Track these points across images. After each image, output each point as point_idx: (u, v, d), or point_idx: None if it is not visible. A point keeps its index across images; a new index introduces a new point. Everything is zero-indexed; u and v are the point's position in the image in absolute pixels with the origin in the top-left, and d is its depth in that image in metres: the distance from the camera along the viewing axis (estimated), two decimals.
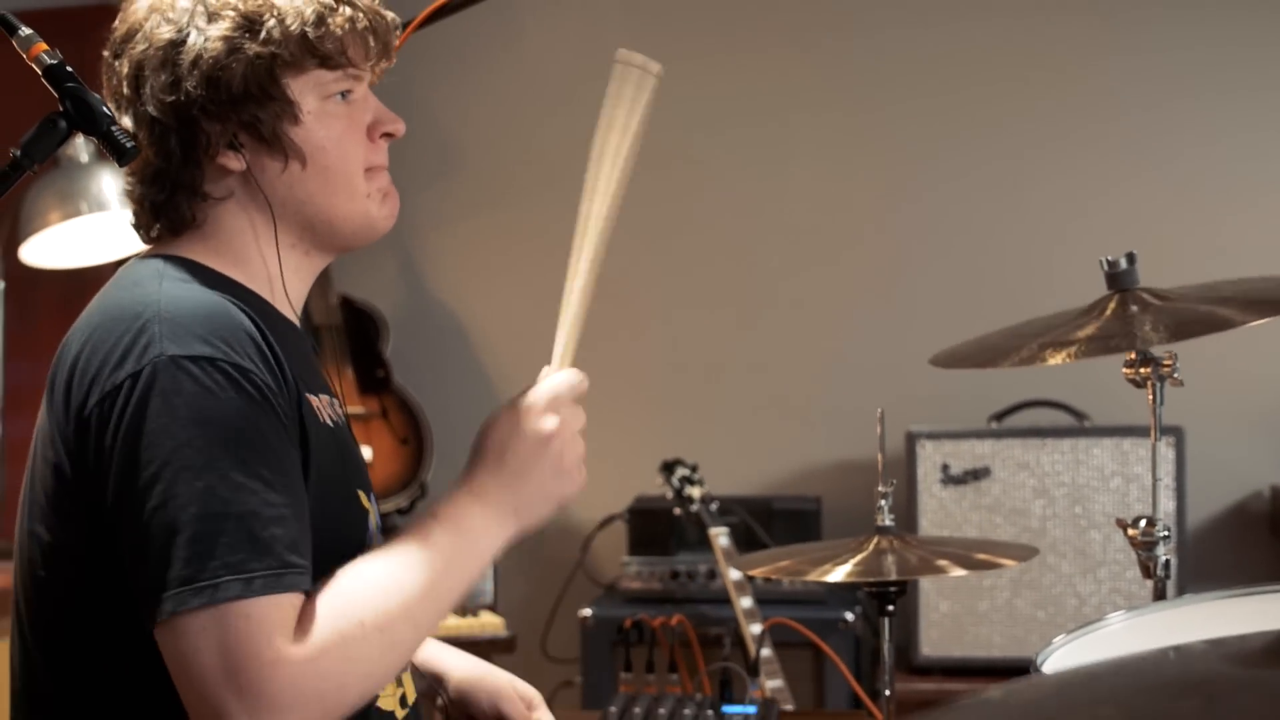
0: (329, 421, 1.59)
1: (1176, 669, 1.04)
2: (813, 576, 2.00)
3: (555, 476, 1.59)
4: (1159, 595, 2.13)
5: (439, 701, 1.94)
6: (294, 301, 1.67)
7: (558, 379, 1.69)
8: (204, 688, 1.35)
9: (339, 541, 1.51)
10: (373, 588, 1.46)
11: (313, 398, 1.58)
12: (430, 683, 1.90)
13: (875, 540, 2.10)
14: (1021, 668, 1.78)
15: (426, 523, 1.53)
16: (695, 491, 3.38)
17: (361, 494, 1.62)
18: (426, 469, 3.89)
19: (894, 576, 1.99)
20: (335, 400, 1.68)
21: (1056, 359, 1.94)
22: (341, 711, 1.40)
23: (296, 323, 1.69)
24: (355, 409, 3.87)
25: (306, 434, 1.52)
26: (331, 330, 3.91)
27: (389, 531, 3.34)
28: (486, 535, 1.55)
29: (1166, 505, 3.34)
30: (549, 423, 1.60)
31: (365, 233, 1.70)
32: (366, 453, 3.78)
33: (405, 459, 3.92)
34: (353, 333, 3.96)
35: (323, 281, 3.84)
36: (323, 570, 1.45)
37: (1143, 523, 2.09)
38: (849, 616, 3.34)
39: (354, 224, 1.67)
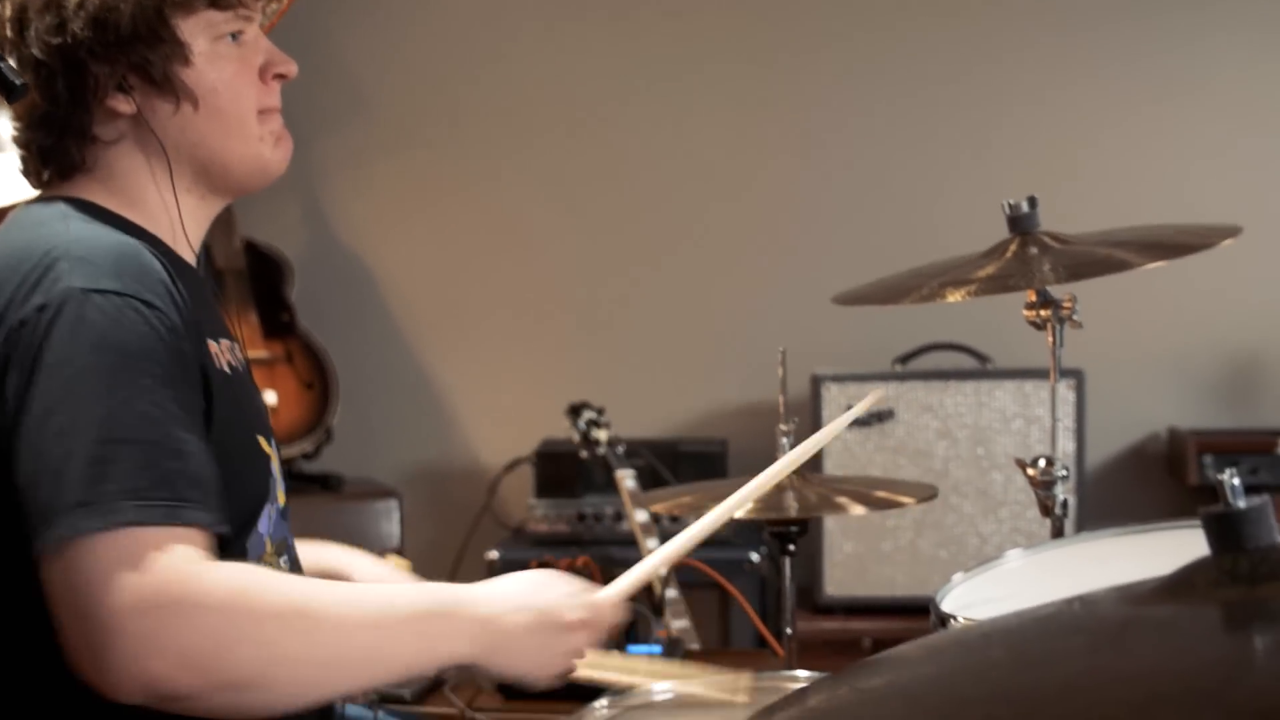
0: (227, 367, 1.58)
1: (1067, 612, 1.05)
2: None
3: (526, 660, 1.56)
4: (1057, 533, 2.16)
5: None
6: (193, 244, 1.65)
7: (601, 598, 1.66)
8: (88, 615, 1.31)
9: (239, 486, 1.50)
10: (310, 584, 1.47)
11: (213, 343, 1.56)
12: None
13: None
14: (924, 606, 1.80)
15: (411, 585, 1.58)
16: (601, 434, 3.39)
17: (261, 439, 1.61)
18: (331, 414, 3.87)
19: (794, 514, 2.00)
20: (235, 345, 1.66)
21: (956, 296, 1.96)
22: (222, 680, 1.35)
23: (196, 266, 1.67)
24: (259, 353, 3.83)
25: (207, 379, 1.50)
26: (235, 274, 3.86)
27: (294, 475, 3.31)
28: (457, 632, 1.52)
29: (1066, 446, 3.38)
30: (578, 615, 1.59)
31: (259, 175, 1.67)
32: (270, 397, 3.75)
33: (310, 403, 3.88)
34: (256, 276, 3.91)
35: (226, 224, 3.79)
36: (228, 512, 1.44)
37: (1041, 462, 2.12)
38: (754, 557, 3.36)
39: (247, 166, 1.65)
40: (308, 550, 1.90)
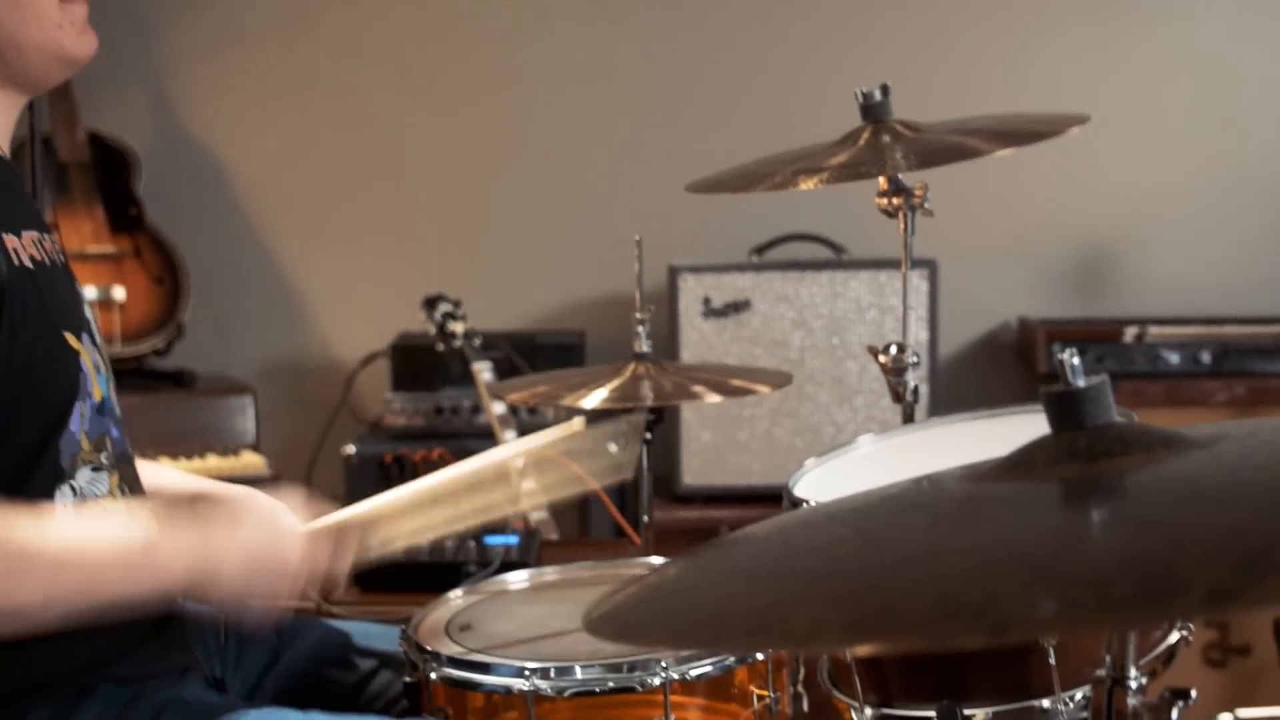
0: (29, 261, 1.54)
1: (912, 491, 1.07)
2: (568, 401, 2.01)
3: (243, 583, 1.58)
4: (908, 420, 2.19)
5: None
6: (2, 124, 1.61)
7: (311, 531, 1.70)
8: None
9: (40, 384, 1.47)
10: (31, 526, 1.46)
11: (11, 237, 1.52)
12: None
13: (632, 367, 2.11)
14: (780, 494, 1.82)
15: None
16: (458, 327, 3.36)
17: (69, 335, 1.57)
18: (183, 309, 3.79)
19: (650, 402, 2.01)
20: (46, 237, 1.62)
21: (809, 184, 1.96)
22: None
23: (6, 151, 1.63)
24: (105, 248, 3.74)
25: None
26: (79, 167, 3.75)
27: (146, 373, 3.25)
28: (164, 573, 1.54)
29: (919, 335, 3.43)
30: (288, 538, 1.64)
31: (59, 65, 1.63)
32: (119, 293, 3.67)
33: (160, 299, 3.80)
34: (102, 170, 3.80)
35: (69, 117, 3.68)
36: (30, 411, 1.42)
37: (893, 349, 2.14)
38: (611, 448, 3.37)
39: (46, 54, 1.60)
40: (156, 475, 1.89)
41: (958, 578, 0.79)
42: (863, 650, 0.69)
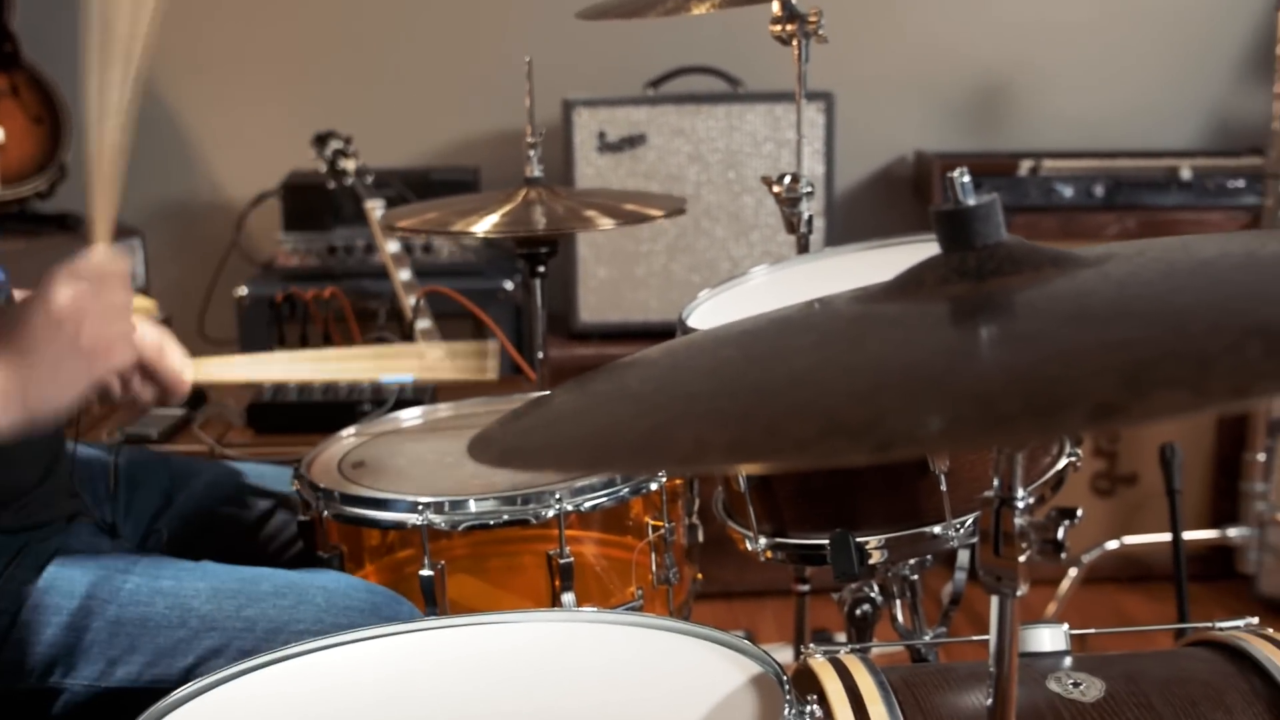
0: None
1: (802, 314, 1.05)
2: (459, 227, 1.98)
3: (71, 357, 1.44)
4: (802, 251, 2.19)
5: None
6: None
7: (83, 257, 1.53)
8: None
9: None
10: None
11: None
12: None
13: (524, 191, 2.07)
14: (675, 330, 1.81)
15: None
16: (350, 165, 3.30)
17: None
18: (65, 149, 3.68)
19: (542, 230, 1.98)
20: None
21: (700, 8, 1.93)
22: None
23: None
24: None
25: None
26: None
27: (28, 216, 3.16)
28: None
29: (815, 169, 3.41)
30: (62, 297, 1.45)
31: None
32: None
33: (41, 139, 3.69)
34: None
35: None
36: None
37: (787, 179, 2.13)
38: (508, 285, 3.34)
39: None
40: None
41: (844, 396, 0.78)
42: (748, 469, 0.68)
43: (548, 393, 1.97)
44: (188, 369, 1.68)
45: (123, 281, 1.52)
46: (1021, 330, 0.85)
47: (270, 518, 1.95)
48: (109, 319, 1.47)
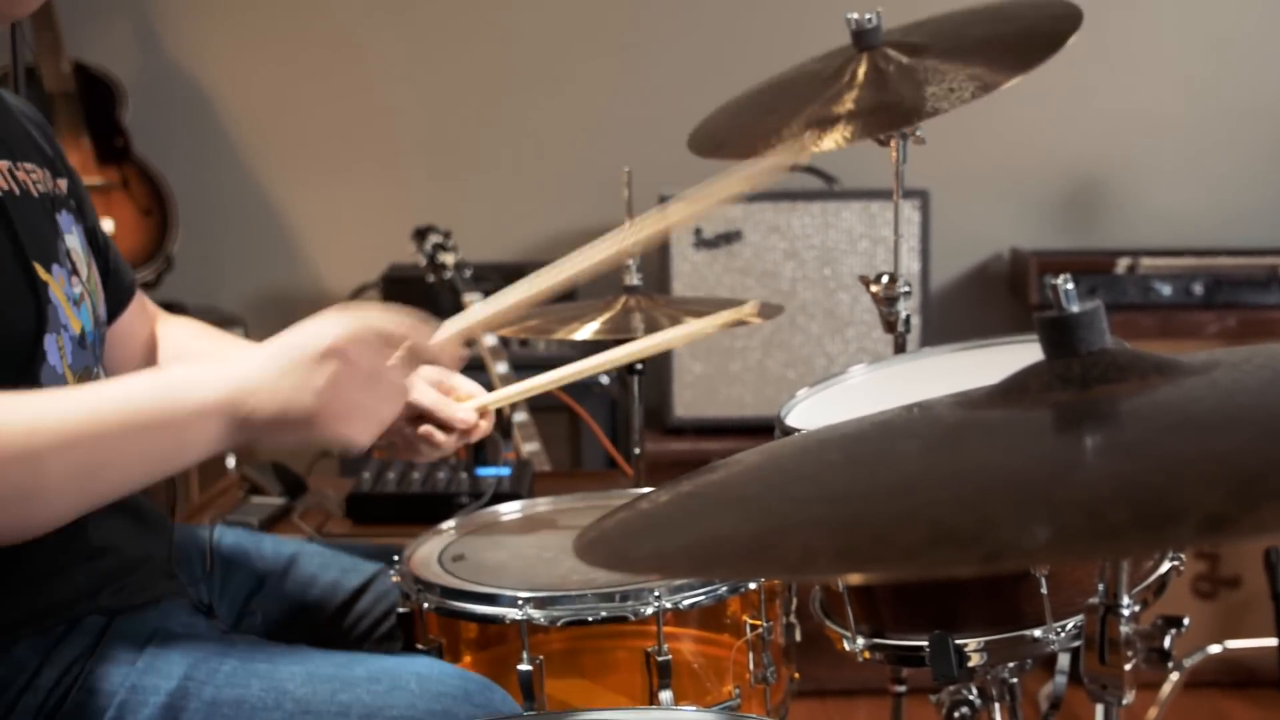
0: None
1: (904, 418, 1.06)
2: (560, 335, 2.01)
3: (306, 393, 1.39)
4: (900, 350, 2.19)
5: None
6: None
7: (382, 316, 1.47)
8: None
9: (8, 313, 1.44)
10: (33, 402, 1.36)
11: None
12: None
13: (623, 299, 2.11)
14: (771, 426, 1.82)
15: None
16: (449, 258, 3.35)
17: (39, 265, 1.55)
18: (172, 241, 3.77)
19: (641, 334, 2.00)
20: (22, 165, 1.61)
21: (830, 142, 1.95)
22: None
23: None
24: (93, 180, 3.71)
25: None
26: (65, 98, 3.72)
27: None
28: (198, 419, 1.38)
29: (911, 266, 3.42)
30: (331, 340, 1.40)
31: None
32: (107, 225, 3.65)
33: (149, 231, 3.78)
34: (88, 100, 3.77)
35: (54, 47, 3.64)
36: None
37: (885, 278, 2.13)
38: (603, 379, 3.37)
39: None
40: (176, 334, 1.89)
41: (950, 504, 0.78)
42: (855, 579, 0.69)
43: (650, 490, 1.99)
44: (471, 410, 1.71)
45: (400, 373, 1.48)
46: (1127, 439, 0.86)
47: (362, 595, 1.96)
48: (365, 385, 1.43)
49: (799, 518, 0.84)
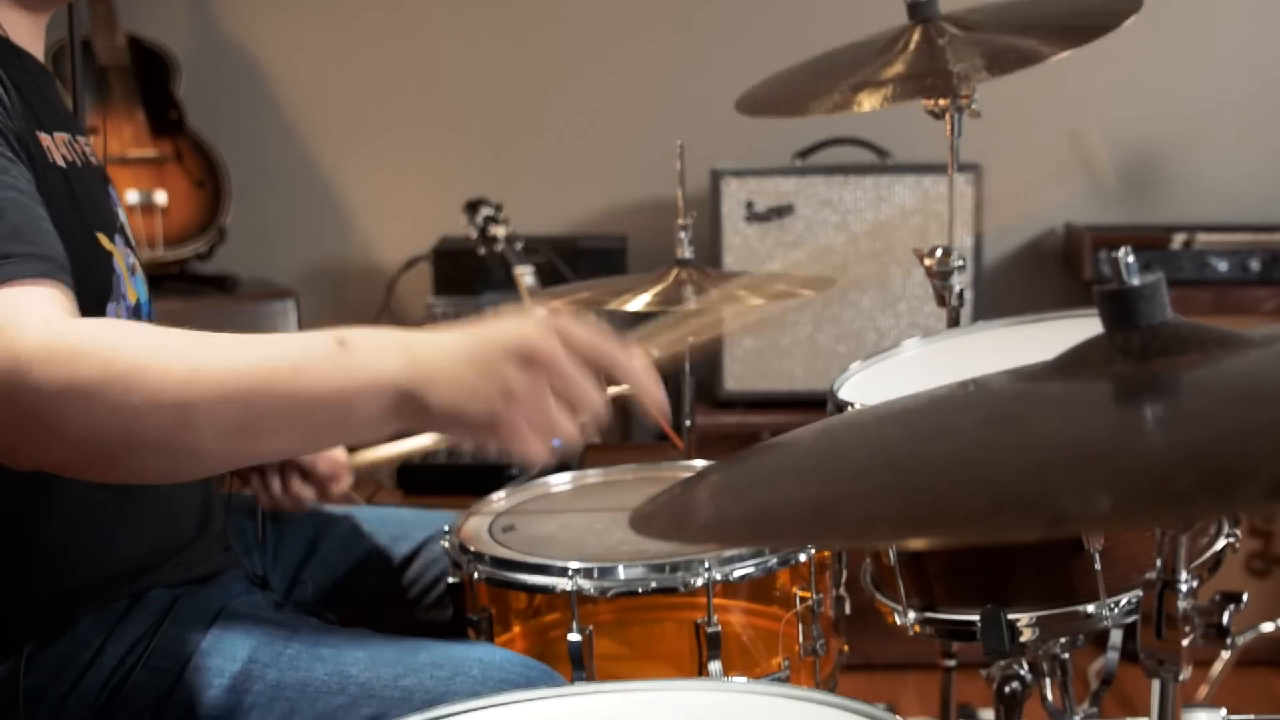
0: (61, 161, 1.53)
1: (961, 393, 1.05)
2: (613, 306, 2.01)
3: (492, 396, 1.27)
4: (953, 324, 2.18)
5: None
6: (28, 35, 1.59)
7: (584, 326, 1.33)
8: None
9: (75, 281, 1.42)
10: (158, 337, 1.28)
11: (45, 135, 1.51)
12: None
13: (675, 272, 2.11)
14: (822, 400, 1.81)
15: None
16: (500, 231, 3.34)
17: (103, 236, 1.56)
18: (225, 213, 3.79)
19: (693, 307, 2.00)
20: (79, 139, 1.62)
21: (871, 103, 1.93)
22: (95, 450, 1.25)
23: (40, 58, 1.62)
24: (147, 152, 3.74)
25: (34, 170, 1.45)
26: (119, 71, 3.74)
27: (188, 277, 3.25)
28: (371, 395, 1.27)
29: (964, 241, 3.40)
30: (534, 343, 1.28)
31: None
32: (160, 197, 3.67)
33: (202, 202, 3.80)
34: (142, 73, 3.79)
35: (108, 20, 3.66)
36: None
37: (939, 252, 2.12)
38: (654, 353, 3.36)
39: None
40: None
41: (1012, 471, 0.78)
42: (917, 544, 0.68)
43: (704, 465, 1.99)
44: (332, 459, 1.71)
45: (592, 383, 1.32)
46: (1191, 409, 0.85)
47: (412, 562, 1.97)
48: (548, 396, 1.29)
49: (858, 486, 0.84)
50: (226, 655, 1.57)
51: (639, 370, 1.36)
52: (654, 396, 1.36)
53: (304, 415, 1.27)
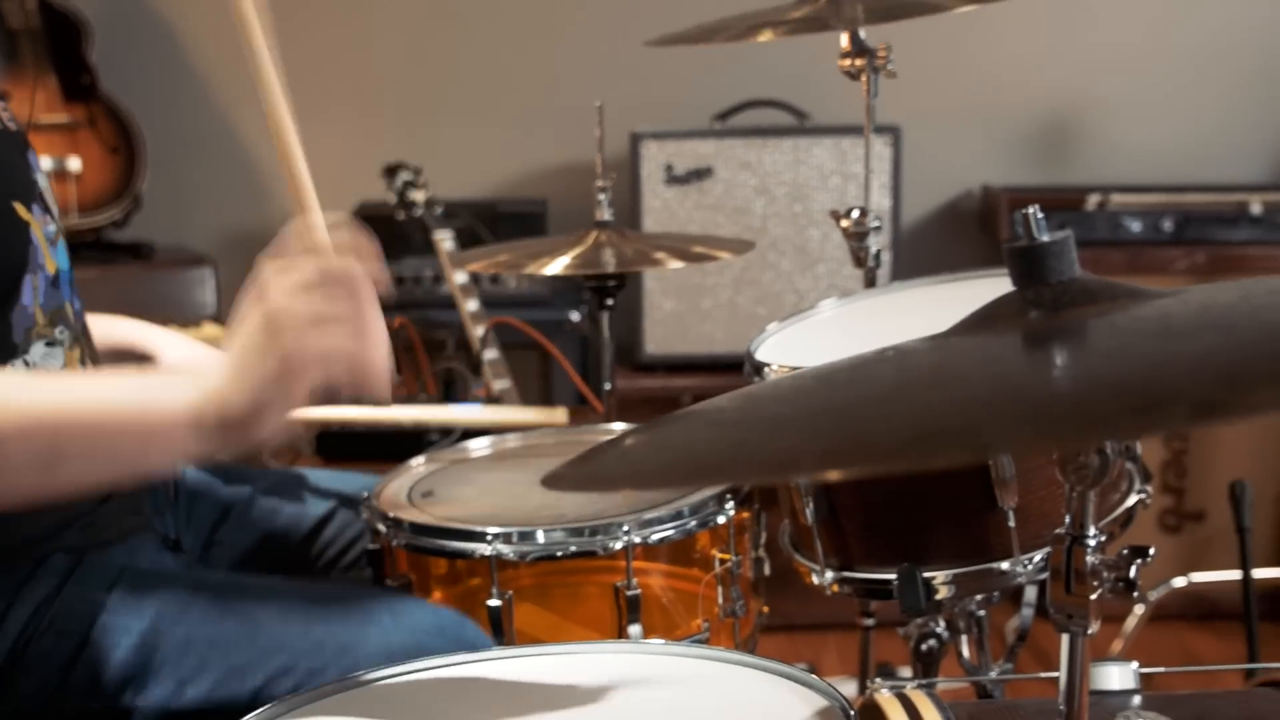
0: None
1: (879, 357, 1.06)
2: (530, 269, 2.00)
3: (269, 360, 1.30)
4: (870, 284, 2.19)
5: None
6: None
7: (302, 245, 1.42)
8: None
9: None
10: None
11: None
12: (138, 366, 1.81)
13: (594, 234, 2.10)
14: (743, 362, 1.82)
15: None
16: (419, 195, 3.32)
17: (19, 205, 1.53)
18: (140, 179, 3.74)
19: (611, 269, 2.00)
20: None
21: (767, 36, 1.94)
22: None
23: None
24: (59, 118, 3.67)
25: None
26: (30, 35, 3.67)
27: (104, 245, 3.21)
28: (169, 428, 1.31)
29: (882, 203, 3.42)
30: (263, 307, 1.33)
31: None
32: (74, 163, 3.61)
33: (116, 168, 3.75)
34: (53, 38, 3.72)
35: None
36: None
37: (855, 213, 2.13)
38: (574, 316, 3.36)
39: None
40: (106, 325, 1.85)
41: (935, 405, 0.78)
42: (842, 474, 0.67)
43: (621, 427, 1.99)
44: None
45: (348, 287, 1.37)
46: (1110, 345, 0.86)
47: (328, 524, 1.96)
48: (313, 332, 1.32)
49: (781, 430, 0.84)
50: (133, 613, 1.56)
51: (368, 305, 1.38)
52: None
53: (107, 448, 1.32)
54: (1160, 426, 0.69)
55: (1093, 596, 0.98)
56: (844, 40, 2.07)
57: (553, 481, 0.92)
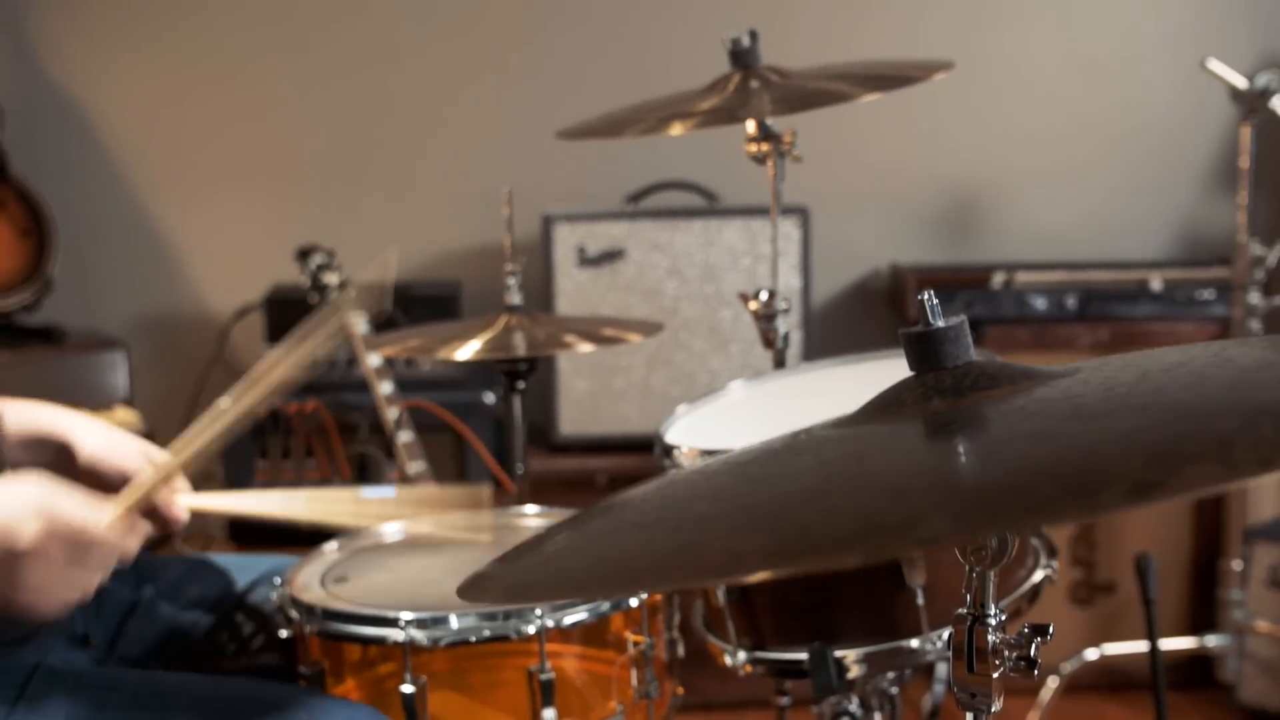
0: None
1: (791, 443, 1.08)
2: (442, 354, 2.01)
3: (63, 573, 1.47)
4: (779, 365, 2.22)
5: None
6: None
7: (73, 507, 1.50)
8: None
9: None
10: None
11: None
12: (55, 453, 1.79)
13: (505, 319, 2.12)
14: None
15: None
16: (332, 278, 3.32)
17: None
18: (50, 263, 3.71)
19: (522, 353, 2.01)
20: None
21: (678, 129, 1.97)
22: None
23: None
24: None
25: None
26: None
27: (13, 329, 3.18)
28: None
29: (792, 282, 3.46)
30: (27, 543, 1.44)
31: None
32: None
33: (27, 253, 3.72)
34: None
35: None
36: None
37: (764, 295, 2.16)
38: (488, 398, 3.37)
39: None
40: (20, 411, 1.83)
41: (875, 496, 0.80)
42: (790, 571, 0.69)
43: (533, 510, 1.99)
44: (183, 506, 1.69)
45: (101, 558, 1.50)
46: (1030, 430, 0.88)
47: (241, 606, 1.94)
48: (66, 588, 1.48)
49: (714, 530, 0.85)
50: (46, 716, 1.54)
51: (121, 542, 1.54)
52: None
53: None
54: (1099, 509, 0.72)
55: (995, 675, 1.00)
56: (750, 126, 2.10)
57: (473, 594, 0.92)
